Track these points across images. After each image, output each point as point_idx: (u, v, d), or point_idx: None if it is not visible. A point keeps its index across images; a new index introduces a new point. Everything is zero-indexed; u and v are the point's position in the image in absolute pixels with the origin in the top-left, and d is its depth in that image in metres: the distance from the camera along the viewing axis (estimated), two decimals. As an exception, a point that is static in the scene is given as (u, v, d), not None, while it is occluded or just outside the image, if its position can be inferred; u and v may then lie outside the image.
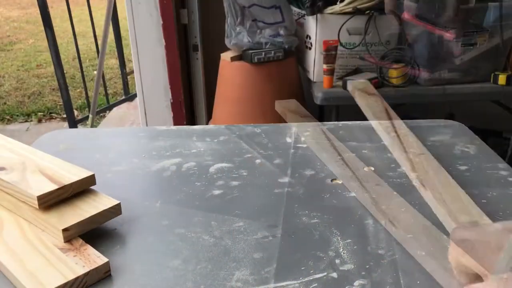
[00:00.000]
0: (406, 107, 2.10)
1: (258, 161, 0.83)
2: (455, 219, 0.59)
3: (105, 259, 0.55)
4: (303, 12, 1.86)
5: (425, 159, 0.78)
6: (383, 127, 0.90)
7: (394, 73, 1.73)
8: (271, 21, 1.87)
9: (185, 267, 0.57)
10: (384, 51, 1.75)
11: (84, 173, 0.64)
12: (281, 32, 1.85)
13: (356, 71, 1.80)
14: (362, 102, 1.06)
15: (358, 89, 1.12)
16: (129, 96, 3.44)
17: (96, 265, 0.54)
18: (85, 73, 3.33)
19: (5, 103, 3.80)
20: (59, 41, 3.00)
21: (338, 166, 0.78)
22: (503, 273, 0.42)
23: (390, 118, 0.94)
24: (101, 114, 3.38)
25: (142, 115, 2.14)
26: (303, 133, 0.92)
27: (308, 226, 0.64)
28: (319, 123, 0.97)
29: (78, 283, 0.52)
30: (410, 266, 0.57)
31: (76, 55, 3.04)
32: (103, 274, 0.55)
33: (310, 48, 1.84)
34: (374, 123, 0.94)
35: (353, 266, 0.56)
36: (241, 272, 0.56)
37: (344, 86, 1.72)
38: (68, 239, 0.58)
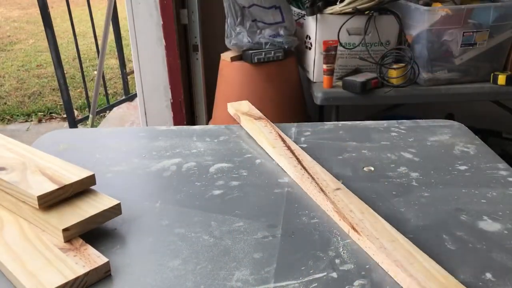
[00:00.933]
0: (406, 107, 2.10)
1: (258, 161, 0.83)
2: (409, 274, 0.52)
3: (105, 259, 0.55)
4: (303, 12, 1.86)
5: (344, 195, 0.68)
6: (287, 159, 0.79)
7: (394, 73, 1.73)
8: (271, 21, 1.87)
9: (185, 267, 0.57)
10: (384, 51, 1.75)
11: (84, 173, 0.64)
12: (281, 32, 1.85)
13: (356, 71, 1.80)
14: (250, 128, 0.93)
15: (242, 112, 0.98)
16: (129, 96, 3.44)
17: (96, 265, 0.54)
18: (85, 73, 3.33)
19: (5, 103, 3.80)
20: (59, 41, 3.00)
21: (296, 171, 0.75)
22: None
23: (288, 147, 0.83)
24: (101, 114, 3.38)
25: (142, 115, 2.14)
26: (258, 137, 0.89)
27: (308, 226, 0.64)
28: (274, 125, 0.93)
29: (78, 283, 0.52)
30: (409, 266, 0.57)
31: (76, 55, 3.04)
32: (103, 274, 0.55)
33: (310, 48, 1.84)
34: (272, 153, 0.84)
35: (353, 266, 0.57)
36: (241, 272, 0.56)
37: (344, 86, 1.72)
38: (68, 239, 0.58)
